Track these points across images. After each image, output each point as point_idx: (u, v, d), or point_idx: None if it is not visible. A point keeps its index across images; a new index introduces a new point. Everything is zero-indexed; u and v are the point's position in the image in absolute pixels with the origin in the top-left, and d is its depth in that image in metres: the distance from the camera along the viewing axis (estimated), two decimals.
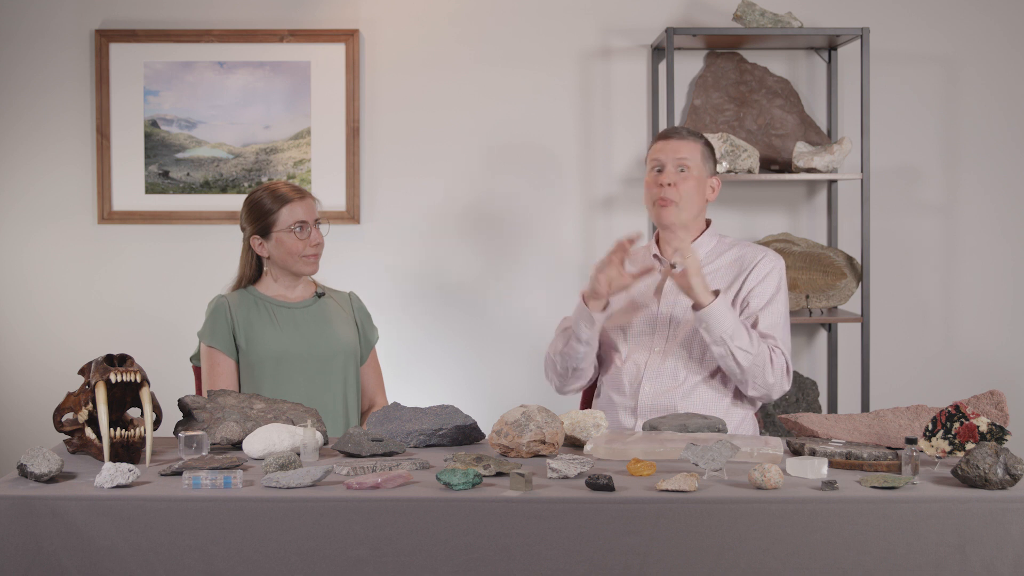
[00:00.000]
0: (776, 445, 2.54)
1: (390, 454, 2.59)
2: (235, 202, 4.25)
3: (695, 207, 3.11)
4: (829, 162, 4.10)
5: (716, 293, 2.97)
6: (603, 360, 3.22)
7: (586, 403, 3.37)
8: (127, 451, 2.50)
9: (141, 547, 2.20)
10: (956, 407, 2.49)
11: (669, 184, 3.07)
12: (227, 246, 4.12)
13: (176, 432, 2.72)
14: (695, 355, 3.07)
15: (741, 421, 3.09)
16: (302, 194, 3.26)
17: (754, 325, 3.05)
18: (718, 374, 3.07)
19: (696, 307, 2.96)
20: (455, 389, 4.31)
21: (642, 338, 3.14)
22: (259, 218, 3.24)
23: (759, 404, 3.15)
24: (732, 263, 3.14)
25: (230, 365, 3.20)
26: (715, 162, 3.19)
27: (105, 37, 4.28)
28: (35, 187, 4.32)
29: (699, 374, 3.07)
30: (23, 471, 2.32)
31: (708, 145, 3.17)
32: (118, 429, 2.50)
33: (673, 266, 3.09)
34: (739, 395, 3.08)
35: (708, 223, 3.21)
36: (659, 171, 3.11)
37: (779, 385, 3.02)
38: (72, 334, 4.32)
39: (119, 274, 4.35)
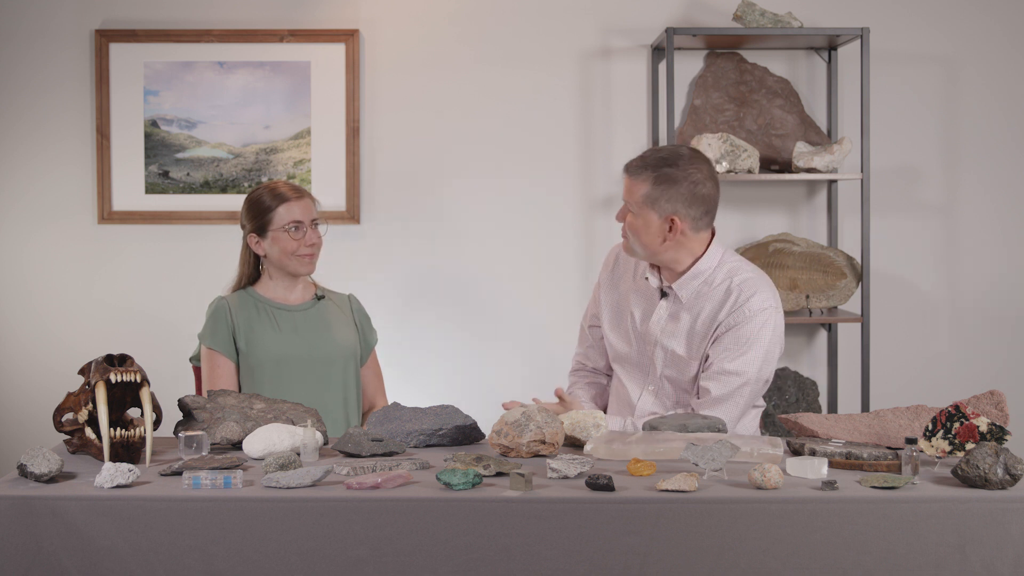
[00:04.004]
0: (776, 445, 2.54)
1: (390, 454, 2.59)
2: (235, 202, 4.25)
3: (647, 246, 2.90)
4: (829, 162, 4.11)
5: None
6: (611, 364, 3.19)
7: None
8: (127, 451, 2.50)
9: (141, 547, 2.20)
10: (956, 407, 2.49)
11: (621, 221, 2.94)
12: (227, 246, 4.12)
13: (176, 432, 2.72)
14: (687, 385, 2.97)
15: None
16: (300, 193, 3.26)
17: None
18: None
19: None
20: (455, 389, 4.31)
21: (637, 364, 3.04)
22: (256, 216, 3.24)
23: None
24: (716, 306, 2.91)
25: (230, 367, 3.20)
26: (679, 198, 2.85)
27: (105, 37, 4.28)
28: (35, 187, 4.32)
29: (692, 398, 2.97)
30: (23, 471, 2.32)
31: (664, 180, 2.85)
32: (118, 429, 2.50)
33: (665, 295, 2.98)
34: None
35: (713, 233, 2.98)
36: None
37: None
38: (72, 334, 4.32)
39: (119, 274, 4.35)
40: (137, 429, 2.53)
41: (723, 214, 4.28)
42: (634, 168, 2.91)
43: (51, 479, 2.33)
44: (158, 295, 4.34)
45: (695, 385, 2.94)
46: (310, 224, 3.24)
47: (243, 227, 3.30)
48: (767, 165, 4.31)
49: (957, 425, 2.47)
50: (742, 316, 2.87)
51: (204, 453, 2.56)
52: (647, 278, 3.01)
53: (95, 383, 2.50)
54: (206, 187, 4.32)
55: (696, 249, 2.94)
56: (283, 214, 3.22)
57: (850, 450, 2.48)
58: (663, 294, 2.98)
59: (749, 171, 4.09)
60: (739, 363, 2.86)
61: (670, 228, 2.88)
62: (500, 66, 4.35)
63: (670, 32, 4.05)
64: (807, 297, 4.16)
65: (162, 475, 2.39)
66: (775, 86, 4.32)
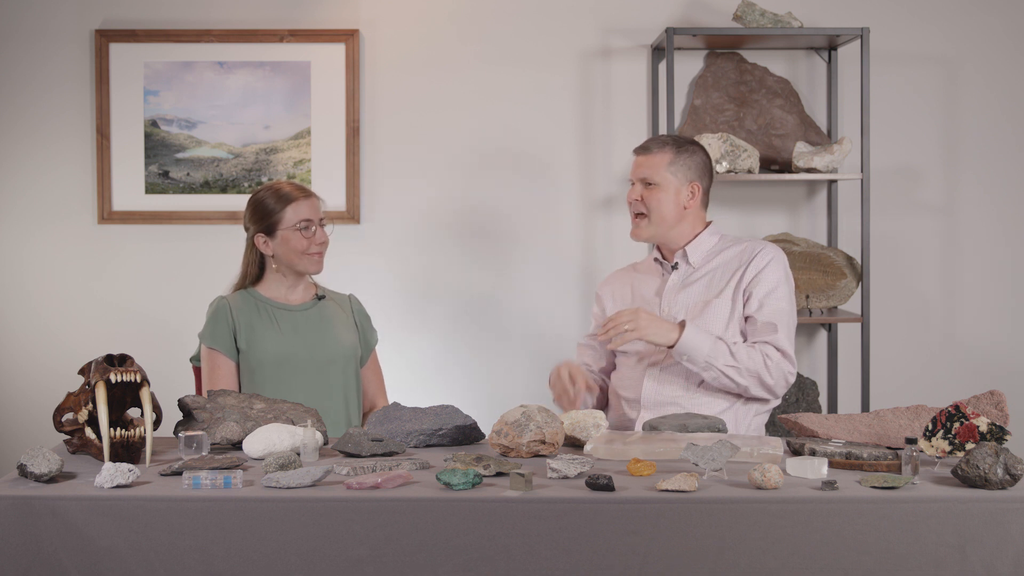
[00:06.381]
0: (776, 445, 2.54)
1: (390, 454, 2.59)
2: (235, 202, 4.25)
3: (666, 217, 3.12)
4: (829, 162, 4.11)
5: (683, 324, 2.98)
6: (614, 364, 3.24)
7: None
8: (127, 451, 2.50)
9: (141, 547, 2.20)
10: (956, 407, 2.49)
11: (637, 199, 3.13)
12: (227, 246, 4.12)
13: (176, 432, 2.72)
14: (718, 329, 3.06)
15: (747, 426, 3.09)
16: (307, 193, 3.27)
17: (747, 319, 3.08)
18: None
19: (669, 346, 2.99)
20: (455, 389, 4.31)
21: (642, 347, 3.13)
22: (264, 217, 3.24)
23: (769, 404, 3.13)
24: (732, 259, 3.14)
25: (230, 367, 3.20)
26: (697, 167, 3.13)
27: (105, 37, 4.27)
28: (35, 187, 4.32)
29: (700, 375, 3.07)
30: (23, 471, 2.32)
31: (684, 150, 3.12)
32: (118, 429, 2.50)
33: (676, 267, 3.12)
34: (737, 395, 3.08)
35: (708, 225, 3.21)
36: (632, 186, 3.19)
37: (780, 384, 3.02)
38: (72, 334, 4.32)
39: (119, 274, 4.34)
40: (137, 429, 2.53)
41: (723, 214, 4.30)
42: (654, 144, 3.15)
43: (51, 479, 2.33)
44: (158, 295, 4.34)
45: (728, 322, 3.06)
46: (318, 223, 3.25)
47: (247, 228, 3.30)
48: (767, 165, 4.31)
49: (957, 425, 2.47)
50: (762, 261, 3.09)
51: (204, 453, 2.56)
52: (655, 259, 3.22)
53: (95, 383, 2.50)
54: (206, 187, 4.32)
55: (697, 226, 3.18)
56: (292, 213, 3.22)
57: (850, 450, 2.48)
58: (674, 267, 3.17)
59: (749, 171, 4.09)
60: (777, 296, 3.06)
61: (691, 195, 3.12)
62: (500, 66, 4.35)
63: (670, 32, 4.05)
64: (807, 297, 4.16)
65: (162, 475, 2.40)
66: (775, 86, 4.32)
